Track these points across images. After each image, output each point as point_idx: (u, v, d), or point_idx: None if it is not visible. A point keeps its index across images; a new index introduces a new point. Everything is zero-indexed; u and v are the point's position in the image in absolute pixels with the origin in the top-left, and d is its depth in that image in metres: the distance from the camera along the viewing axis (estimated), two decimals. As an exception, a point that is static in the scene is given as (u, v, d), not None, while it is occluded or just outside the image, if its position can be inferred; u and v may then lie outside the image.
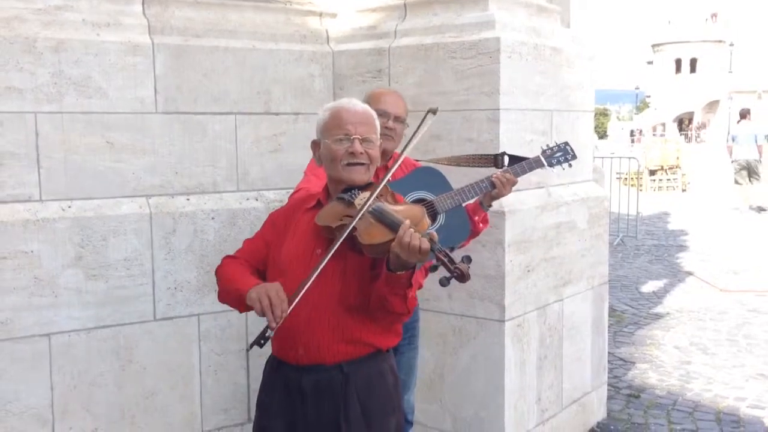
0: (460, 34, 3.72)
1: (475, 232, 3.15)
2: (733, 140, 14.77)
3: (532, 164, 3.16)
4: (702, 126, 65.42)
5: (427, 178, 3.05)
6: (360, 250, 2.19)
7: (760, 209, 14.29)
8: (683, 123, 68.88)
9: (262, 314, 2.14)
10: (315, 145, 2.42)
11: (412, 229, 2.05)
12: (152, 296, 3.49)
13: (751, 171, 14.18)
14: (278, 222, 2.46)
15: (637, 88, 74.04)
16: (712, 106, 66.01)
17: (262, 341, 2.16)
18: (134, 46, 3.44)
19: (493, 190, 3.05)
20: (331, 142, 2.29)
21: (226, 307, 3.61)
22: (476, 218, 3.14)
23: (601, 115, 63.03)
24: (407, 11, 3.99)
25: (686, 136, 51.40)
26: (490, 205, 3.17)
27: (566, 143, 3.25)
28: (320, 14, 4.14)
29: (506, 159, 3.21)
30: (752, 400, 4.96)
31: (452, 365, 3.81)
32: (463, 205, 3.04)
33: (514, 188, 3.72)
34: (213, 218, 3.63)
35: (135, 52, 3.44)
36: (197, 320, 3.62)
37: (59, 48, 3.26)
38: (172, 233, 3.53)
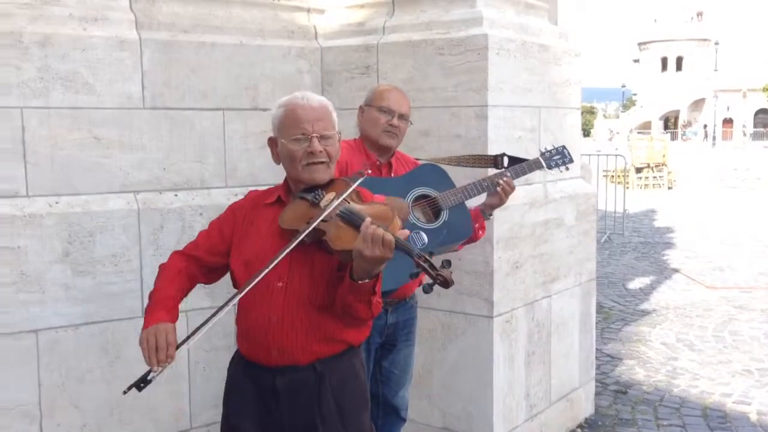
0: (448, 31, 3.72)
1: (473, 239, 3.15)
2: None
3: (532, 165, 3.22)
4: (687, 124, 65.91)
5: (430, 175, 3.05)
6: (329, 250, 2.13)
7: None
8: (669, 121, 69.31)
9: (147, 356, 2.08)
10: (272, 142, 2.33)
11: (374, 225, 1.97)
12: (140, 292, 3.47)
13: None
14: (239, 214, 2.37)
15: (623, 86, 74.40)
16: (698, 104, 66.47)
17: (142, 384, 2.05)
18: (121, 41, 3.42)
19: (494, 198, 3.08)
20: (288, 142, 2.21)
21: (213, 303, 3.62)
22: (476, 225, 3.14)
23: (588, 113, 63.26)
24: (395, 7, 3.99)
25: (672, 134, 51.75)
26: (491, 214, 3.21)
27: (563, 147, 3.32)
28: (308, 10, 4.13)
29: (506, 160, 3.25)
30: (738, 396, 5.00)
31: (441, 361, 3.82)
32: (467, 204, 3.06)
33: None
34: (201, 214, 3.62)
35: (122, 47, 3.42)
36: (185, 317, 3.57)
37: (46, 43, 3.23)
38: (160, 229, 3.52)
